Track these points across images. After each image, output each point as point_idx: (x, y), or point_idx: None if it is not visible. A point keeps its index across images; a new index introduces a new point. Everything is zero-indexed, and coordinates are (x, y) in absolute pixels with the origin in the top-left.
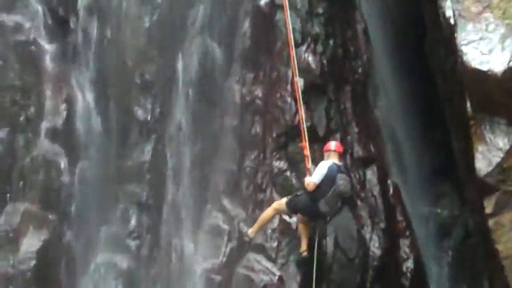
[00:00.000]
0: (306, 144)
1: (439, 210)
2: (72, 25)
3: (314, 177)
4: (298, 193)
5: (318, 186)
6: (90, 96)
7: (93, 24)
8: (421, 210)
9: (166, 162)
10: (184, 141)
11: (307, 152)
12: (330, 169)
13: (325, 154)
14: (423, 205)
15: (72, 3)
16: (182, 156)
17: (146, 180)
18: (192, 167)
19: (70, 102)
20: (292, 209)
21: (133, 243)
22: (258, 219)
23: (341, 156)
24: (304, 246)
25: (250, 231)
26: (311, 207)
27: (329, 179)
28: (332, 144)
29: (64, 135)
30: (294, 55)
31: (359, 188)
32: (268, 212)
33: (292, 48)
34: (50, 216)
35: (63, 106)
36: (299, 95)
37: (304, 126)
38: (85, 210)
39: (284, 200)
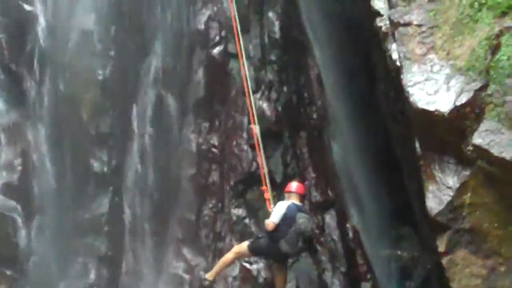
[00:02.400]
0: (266, 187)
1: (399, 252)
2: (25, 79)
3: (273, 217)
4: (260, 236)
5: (278, 226)
6: (45, 150)
7: (47, 78)
8: (382, 252)
9: (124, 213)
10: (141, 191)
11: (267, 195)
12: (289, 208)
13: (286, 195)
14: (383, 247)
15: (25, 58)
16: (140, 207)
17: (105, 232)
18: (151, 217)
19: (25, 156)
20: (254, 251)
21: None
22: (217, 262)
23: (303, 197)
24: None
25: (208, 275)
26: (272, 248)
27: (288, 219)
28: (293, 185)
29: (20, 190)
30: (252, 100)
31: (319, 232)
32: (228, 256)
33: (249, 94)
34: (7, 272)
35: (18, 161)
36: (258, 138)
37: (265, 169)
38: (43, 265)
39: (246, 243)
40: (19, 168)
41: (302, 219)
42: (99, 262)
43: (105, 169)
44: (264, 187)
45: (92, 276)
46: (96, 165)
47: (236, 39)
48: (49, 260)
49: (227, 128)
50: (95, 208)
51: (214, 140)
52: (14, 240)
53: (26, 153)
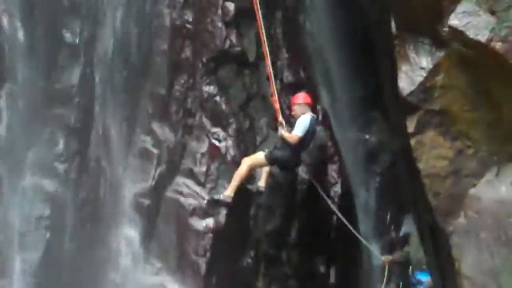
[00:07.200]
0: (276, 97)
1: (367, 136)
2: None
3: (298, 130)
4: (278, 146)
5: (301, 139)
6: (17, 19)
7: None
8: (350, 136)
9: (95, 85)
10: (113, 64)
11: (277, 105)
12: (311, 122)
13: (297, 108)
14: (352, 131)
15: None
16: (111, 79)
17: (74, 103)
18: (121, 90)
19: None
20: (272, 161)
21: (61, 167)
22: (233, 178)
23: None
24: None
25: (226, 194)
26: (293, 160)
27: (310, 132)
28: (306, 97)
29: None
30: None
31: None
32: (243, 168)
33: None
34: None
35: None
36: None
37: (273, 80)
38: (12, 133)
39: (262, 154)
40: None
41: (323, 133)
42: (68, 132)
43: (77, 40)
44: (274, 98)
45: (61, 146)
46: (67, 35)
47: None
48: (18, 129)
49: (202, 4)
50: (65, 79)
51: (189, 16)
52: None
53: None
